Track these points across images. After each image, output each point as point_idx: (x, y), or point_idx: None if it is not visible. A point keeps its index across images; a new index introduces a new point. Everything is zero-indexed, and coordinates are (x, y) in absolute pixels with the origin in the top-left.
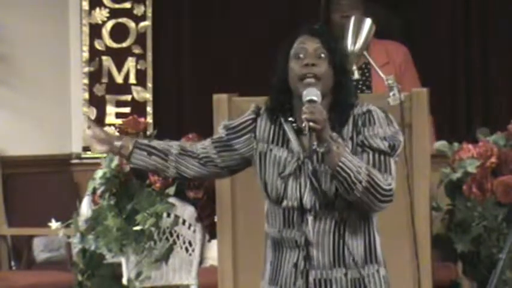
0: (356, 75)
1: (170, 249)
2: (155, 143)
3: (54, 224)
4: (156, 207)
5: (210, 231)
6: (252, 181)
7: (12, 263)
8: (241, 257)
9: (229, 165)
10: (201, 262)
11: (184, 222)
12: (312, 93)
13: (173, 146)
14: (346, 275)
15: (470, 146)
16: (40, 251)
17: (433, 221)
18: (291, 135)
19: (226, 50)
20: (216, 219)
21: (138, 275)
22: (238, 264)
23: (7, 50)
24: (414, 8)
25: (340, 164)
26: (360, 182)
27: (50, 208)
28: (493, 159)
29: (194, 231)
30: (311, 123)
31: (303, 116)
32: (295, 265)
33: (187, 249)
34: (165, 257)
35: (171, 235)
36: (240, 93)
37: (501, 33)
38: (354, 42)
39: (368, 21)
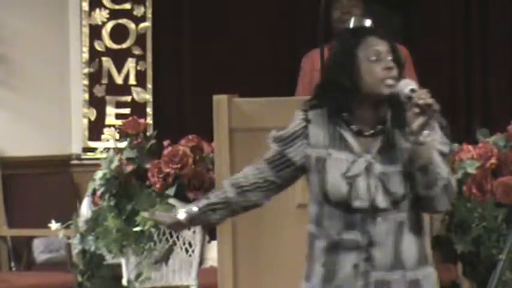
0: None
1: (170, 250)
2: (211, 197)
3: (54, 225)
4: (156, 208)
5: (210, 232)
6: None
7: (12, 264)
8: (241, 258)
9: (289, 180)
10: (201, 263)
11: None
12: (410, 83)
13: (227, 190)
14: (404, 276)
15: (470, 147)
16: (40, 252)
17: (433, 222)
18: (350, 138)
19: (226, 50)
20: None
21: (138, 275)
22: (238, 265)
23: (7, 50)
24: (415, 7)
25: (432, 156)
26: (442, 178)
27: (49, 209)
28: (493, 160)
29: (194, 232)
30: (435, 106)
31: (420, 102)
32: (356, 266)
33: (187, 250)
34: (165, 258)
35: (171, 236)
36: (240, 94)
37: (501, 33)
38: None
39: (368, 22)
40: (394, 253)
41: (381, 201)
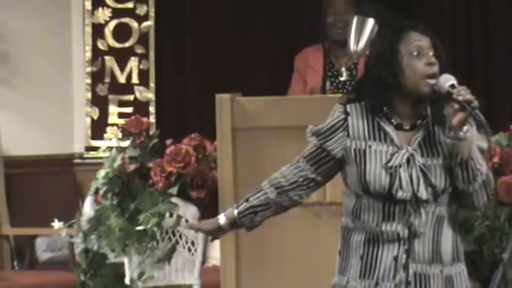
0: (344, 76)
1: (173, 249)
2: (251, 199)
3: (56, 224)
4: (158, 207)
5: None
6: (253, 180)
7: (15, 263)
8: (244, 257)
9: (328, 176)
10: (203, 262)
11: (187, 221)
12: (450, 79)
13: (267, 191)
14: (442, 271)
15: None
16: (43, 251)
17: None
18: (391, 131)
19: (229, 49)
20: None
21: (141, 274)
22: (241, 264)
23: (9, 49)
24: (419, 8)
25: (472, 151)
26: (482, 174)
27: (52, 208)
28: (496, 159)
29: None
30: (474, 102)
31: (460, 98)
32: (395, 258)
33: (189, 249)
34: (168, 256)
35: (174, 235)
36: (243, 93)
37: (504, 33)
38: (357, 42)
39: (371, 21)
40: (433, 246)
41: (423, 192)
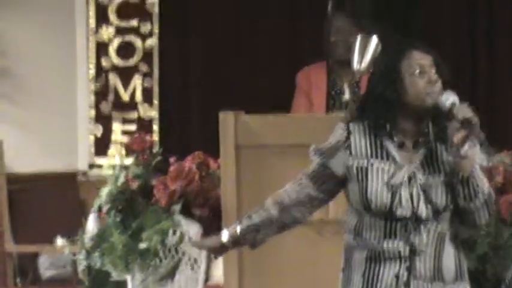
0: (347, 95)
1: (176, 267)
2: (253, 217)
3: (59, 241)
4: (161, 224)
5: None
6: (257, 198)
7: (18, 280)
8: (246, 275)
9: (331, 194)
10: (206, 280)
11: (190, 239)
12: (451, 97)
13: (270, 208)
14: None
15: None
16: (46, 269)
17: None
18: (392, 149)
19: (232, 67)
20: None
21: None
22: (243, 282)
23: (13, 65)
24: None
25: (474, 169)
26: (483, 192)
27: (56, 225)
28: (499, 179)
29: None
30: (474, 120)
31: (460, 116)
32: (397, 276)
33: (192, 267)
34: (171, 274)
35: (177, 252)
36: (246, 111)
37: (507, 48)
38: (360, 61)
39: (374, 40)
40: (434, 264)
41: (423, 210)
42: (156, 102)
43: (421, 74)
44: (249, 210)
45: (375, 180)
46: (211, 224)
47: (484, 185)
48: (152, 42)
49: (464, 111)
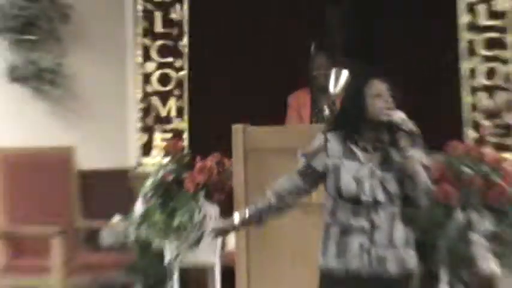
0: (326, 111)
1: (200, 237)
2: (258, 204)
3: (116, 219)
4: (190, 206)
5: None
6: (259, 188)
7: (85, 247)
8: (252, 243)
9: (314, 186)
10: (222, 247)
11: (211, 217)
12: (401, 114)
13: (270, 197)
14: (395, 254)
15: None
16: (106, 239)
17: None
18: (358, 152)
19: (243, 91)
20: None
21: (177, 256)
22: (250, 248)
23: (81, 91)
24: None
25: (415, 167)
26: (423, 184)
27: (113, 207)
28: (436, 173)
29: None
30: (416, 131)
31: (406, 128)
32: (361, 245)
33: (213, 238)
34: (197, 243)
35: (201, 227)
36: (252, 123)
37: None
38: (335, 87)
39: (345, 72)
40: (388, 236)
41: (381, 196)
42: (186, 117)
43: (379, 96)
44: (254, 197)
45: (345, 175)
46: (226, 206)
47: (424, 178)
48: (183, 73)
49: (409, 125)
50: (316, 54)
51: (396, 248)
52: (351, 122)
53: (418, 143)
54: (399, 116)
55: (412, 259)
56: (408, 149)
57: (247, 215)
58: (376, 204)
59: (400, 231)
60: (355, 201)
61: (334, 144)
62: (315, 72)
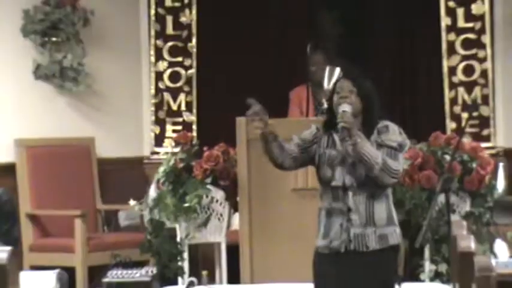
0: (325, 105)
1: (208, 219)
2: (280, 140)
3: (132, 202)
4: (198, 191)
5: (234, 207)
6: (261, 174)
7: (105, 228)
8: (254, 224)
9: (302, 161)
10: (228, 227)
11: (217, 201)
12: (344, 106)
13: (284, 144)
14: (375, 231)
15: None
16: (123, 220)
17: None
18: (337, 141)
19: (246, 87)
20: (238, 199)
21: (187, 235)
22: (253, 229)
23: (100, 87)
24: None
25: (363, 151)
26: (377, 164)
27: (129, 191)
28: (419, 160)
29: (224, 207)
30: (343, 124)
31: (338, 120)
32: (341, 225)
33: (219, 219)
34: (205, 224)
35: (209, 209)
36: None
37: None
38: (328, 83)
39: (337, 70)
40: (366, 215)
41: (348, 181)
42: (195, 111)
43: (338, 93)
44: (257, 182)
45: (325, 163)
46: (231, 191)
47: (377, 158)
48: (192, 71)
49: (345, 118)
50: (313, 53)
51: (376, 226)
52: (333, 116)
53: (355, 134)
54: (342, 108)
55: (394, 235)
56: (345, 139)
57: (272, 138)
58: (347, 188)
59: (382, 210)
60: (332, 187)
61: (323, 136)
62: (313, 68)
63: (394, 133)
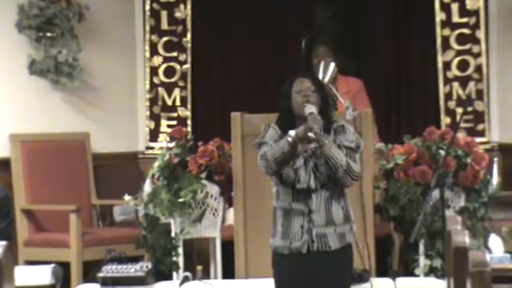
0: None
1: (202, 214)
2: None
3: (127, 197)
4: (193, 186)
5: (229, 202)
6: (257, 167)
7: (100, 223)
8: (249, 219)
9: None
10: (223, 222)
11: (212, 196)
12: (311, 108)
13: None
14: (335, 230)
15: (399, 146)
16: (118, 215)
17: (375, 195)
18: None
19: (241, 83)
20: (232, 194)
21: (182, 230)
22: (247, 224)
23: (96, 83)
24: (364, 54)
25: (330, 153)
26: (342, 166)
27: (124, 186)
28: (414, 155)
29: (218, 202)
30: (315, 126)
31: (309, 123)
32: (302, 226)
33: (214, 214)
34: (199, 219)
35: (203, 204)
36: (249, 111)
37: (421, 69)
38: (324, 78)
39: (332, 64)
40: (326, 216)
41: (313, 183)
42: (189, 106)
43: (299, 93)
44: (252, 177)
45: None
46: (226, 186)
47: (342, 161)
48: (186, 66)
49: (311, 120)
50: (308, 47)
51: (336, 225)
52: (287, 116)
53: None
54: (308, 110)
55: (350, 233)
56: (306, 140)
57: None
58: (310, 190)
59: (339, 210)
60: (294, 188)
61: (279, 137)
62: (315, 60)
63: (350, 133)
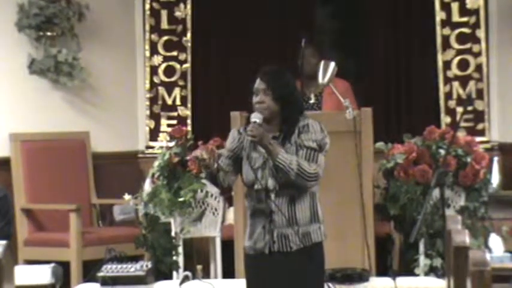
0: (312, 100)
1: (203, 213)
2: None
3: (127, 197)
4: (193, 185)
5: (229, 201)
6: None
7: (100, 222)
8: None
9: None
10: (223, 221)
11: (212, 195)
12: (254, 117)
13: (222, 163)
14: (298, 231)
15: (399, 145)
16: (118, 214)
17: (375, 195)
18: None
19: (239, 82)
20: (233, 194)
21: (182, 230)
22: (247, 223)
23: (96, 82)
24: (362, 53)
25: (277, 159)
26: (292, 170)
27: (124, 185)
28: (414, 154)
29: (218, 201)
30: (250, 138)
31: (248, 132)
32: (264, 227)
33: (214, 213)
34: (200, 218)
35: (203, 204)
36: (248, 111)
37: (421, 68)
38: (323, 77)
39: (332, 64)
40: (289, 216)
41: (271, 184)
42: (189, 105)
43: (255, 94)
44: None
45: (247, 166)
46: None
47: (291, 165)
48: (186, 66)
49: (254, 131)
50: (307, 46)
51: (299, 225)
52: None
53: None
54: (252, 118)
55: (318, 232)
56: (255, 145)
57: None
58: (269, 191)
59: (305, 209)
60: (255, 189)
61: (246, 139)
62: (306, 59)
63: (315, 132)
